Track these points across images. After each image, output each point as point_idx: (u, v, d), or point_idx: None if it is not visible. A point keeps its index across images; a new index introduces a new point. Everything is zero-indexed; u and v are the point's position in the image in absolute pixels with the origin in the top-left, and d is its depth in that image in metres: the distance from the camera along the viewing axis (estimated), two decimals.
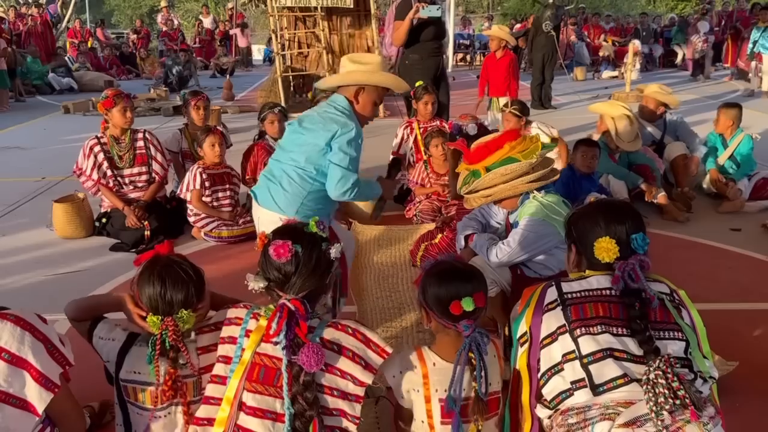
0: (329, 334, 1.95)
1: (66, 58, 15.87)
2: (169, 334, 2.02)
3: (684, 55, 17.52)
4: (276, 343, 1.89)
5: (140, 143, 4.92)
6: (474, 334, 1.92)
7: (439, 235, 4.19)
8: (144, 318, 2.08)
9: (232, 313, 2.07)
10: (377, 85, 3.13)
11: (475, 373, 1.93)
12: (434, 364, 2.01)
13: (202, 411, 2.00)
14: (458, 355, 1.93)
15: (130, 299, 2.14)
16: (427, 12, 6.30)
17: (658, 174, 5.35)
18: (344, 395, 1.91)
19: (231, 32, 19.65)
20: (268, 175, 3.12)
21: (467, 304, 1.90)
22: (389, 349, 1.97)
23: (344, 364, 1.92)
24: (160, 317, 2.04)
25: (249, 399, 1.92)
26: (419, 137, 5.51)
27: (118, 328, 2.22)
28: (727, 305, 3.74)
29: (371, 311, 3.67)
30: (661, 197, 5.20)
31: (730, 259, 4.43)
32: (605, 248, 1.96)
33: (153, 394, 2.07)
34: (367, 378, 1.92)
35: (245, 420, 1.92)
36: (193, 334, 2.14)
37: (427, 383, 1.99)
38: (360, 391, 1.92)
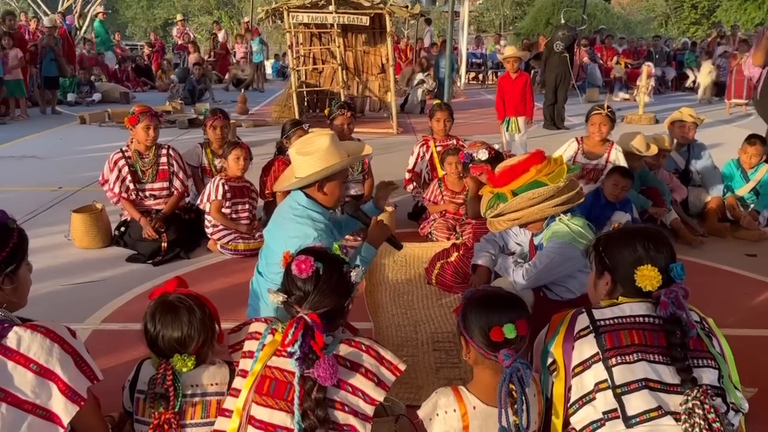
0: (343, 350, 1.96)
1: (94, 72, 15.85)
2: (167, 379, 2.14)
3: (696, 78, 17.50)
4: (290, 354, 1.89)
5: (164, 159, 5.00)
6: (515, 365, 1.82)
7: (455, 254, 4.18)
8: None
9: (253, 327, 2.10)
10: (338, 170, 2.89)
11: (516, 406, 1.83)
12: (474, 407, 1.92)
13: (218, 424, 2.03)
14: (500, 387, 1.83)
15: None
16: None
17: (667, 197, 5.35)
18: (355, 413, 1.91)
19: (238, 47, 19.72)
20: (254, 293, 3.05)
21: (509, 331, 1.83)
22: (402, 367, 1.97)
23: (357, 380, 1.92)
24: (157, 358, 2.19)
25: (259, 413, 1.93)
26: (435, 155, 5.53)
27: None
28: (744, 331, 3.72)
29: (387, 328, 3.67)
30: (673, 221, 5.20)
31: (746, 285, 4.42)
32: (648, 276, 1.94)
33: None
34: (379, 395, 1.92)
35: None
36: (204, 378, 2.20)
37: (467, 428, 1.91)
38: (370, 411, 1.91)
